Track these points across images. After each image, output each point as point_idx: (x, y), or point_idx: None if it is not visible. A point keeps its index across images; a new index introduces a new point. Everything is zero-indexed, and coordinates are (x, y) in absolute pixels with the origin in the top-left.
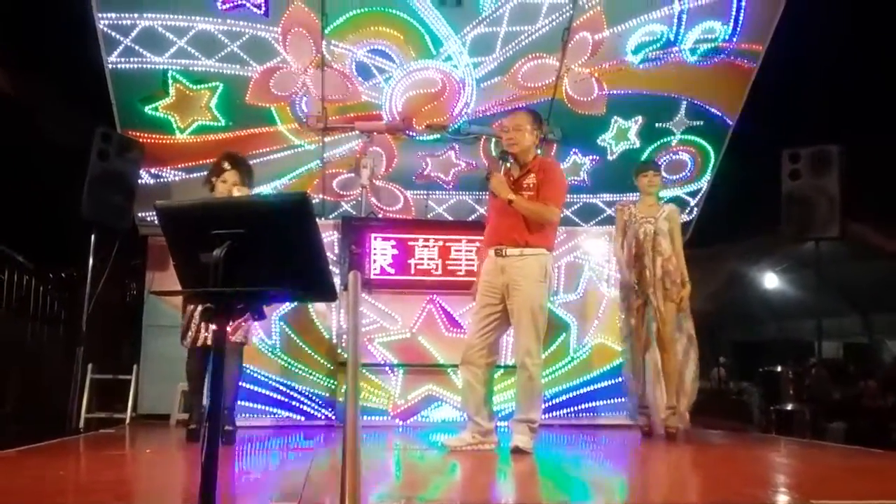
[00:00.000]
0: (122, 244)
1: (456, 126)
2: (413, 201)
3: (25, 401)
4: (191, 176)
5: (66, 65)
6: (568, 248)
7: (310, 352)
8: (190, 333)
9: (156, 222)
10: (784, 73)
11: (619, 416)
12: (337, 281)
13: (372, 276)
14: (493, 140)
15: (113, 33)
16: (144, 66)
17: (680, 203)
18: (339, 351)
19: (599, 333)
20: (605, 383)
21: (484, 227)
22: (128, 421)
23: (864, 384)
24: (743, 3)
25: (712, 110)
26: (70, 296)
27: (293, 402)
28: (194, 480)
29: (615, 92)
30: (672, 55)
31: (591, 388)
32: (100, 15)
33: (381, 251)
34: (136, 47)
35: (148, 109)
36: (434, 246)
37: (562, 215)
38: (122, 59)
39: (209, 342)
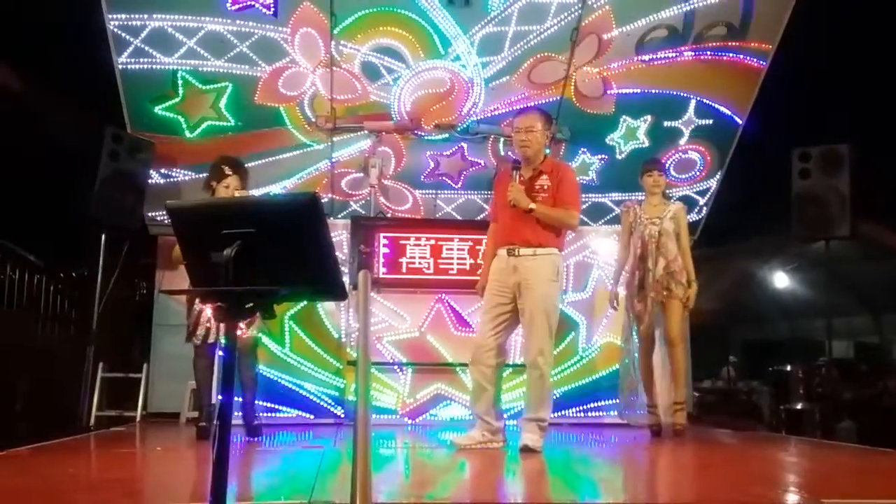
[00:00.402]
0: (132, 243)
1: (464, 125)
2: (422, 201)
3: (36, 399)
4: (200, 176)
5: (77, 66)
6: (577, 248)
7: (319, 350)
8: (199, 332)
9: (166, 222)
10: (794, 72)
11: (629, 415)
12: (346, 280)
13: (380, 276)
14: (503, 140)
15: (123, 34)
16: (154, 66)
17: (689, 202)
18: (348, 350)
19: (608, 332)
20: (615, 382)
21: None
22: (138, 419)
23: (882, 385)
24: (752, 2)
25: (721, 109)
26: (81, 295)
27: (302, 401)
28: (204, 478)
29: (624, 91)
30: (681, 54)
31: (601, 386)
32: (109, 16)
33: (389, 250)
34: (146, 48)
35: (158, 110)
36: (443, 245)
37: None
38: (132, 60)
39: (220, 339)
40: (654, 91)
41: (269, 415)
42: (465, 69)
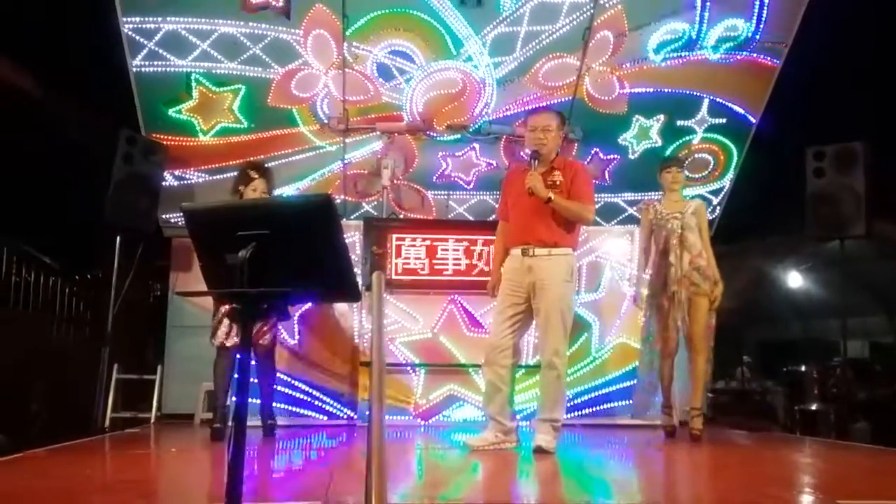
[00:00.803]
0: (146, 245)
1: (476, 126)
2: (434, 201)
3: (52, 401)
4: (214, 178)
5: (91, 69)
6: (590, 248)
7: (332, 352)
8: (219, 333)
9: (180, 224)
10: (808, 70)
11: (642, 416)
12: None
13: (393, 277)
14: (515, 139)
15: (137, 37)
16: (168, 69)
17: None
18: (362, 351)
19: (621, 333)
20: (628, 383)
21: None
22: (153, 420)
23: (892, 387)
24: (766, 1)
25: (735, 108)
26: (96, 297)
27: (316, 402)
28: (219, 479)
29: (636, 90)
30: (694, 53)
31: (614, 387)
32: (124, 19)
33: (402, 251)
34: (160, 51)
35: (172, 112)
36: (456, 246)
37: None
38: (146, 63)
39: (237, 342)
40: (666, 90)
41: (284, 416)
42: (476, 70)
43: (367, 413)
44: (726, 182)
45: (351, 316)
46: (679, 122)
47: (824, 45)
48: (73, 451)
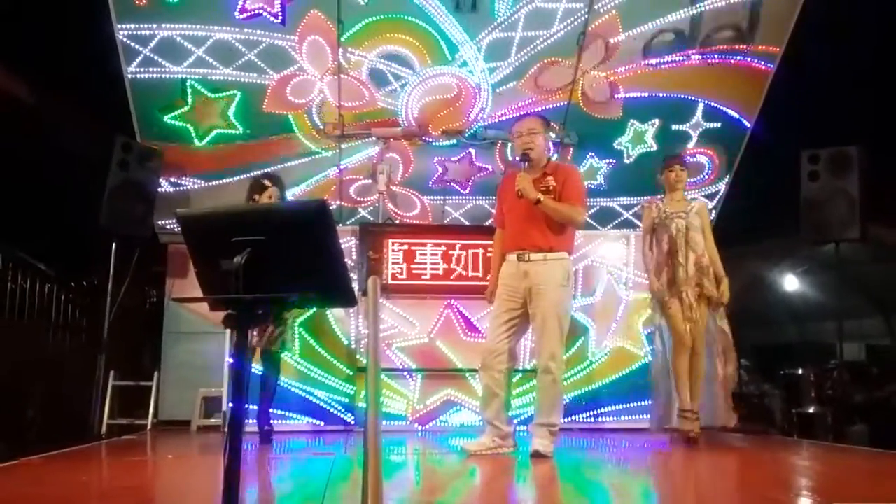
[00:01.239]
0: (142, 252)
1: (472, 131)
2: (430, 207)
3: (48, 408)
4: (210, 183)
5: (86, 75)
6: (585, 252)
7: (328, 357)
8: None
9: (176, 230)
10: (802, 74)
11: (638, 420)
12: (355, 286)
13: (390, 282)
14: (509, 145)
15: (132, 44)
16: (163, 75)
17: None
18: (358, 356)
19: (618, 337)
20: (625, 386)
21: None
22: (149, 427)
23: (888, 389)
24: (759, 5)
25: (730, 112)
26: (92, 303)
27: (312, 408)
28: (216, 486)
29: (631, 95)
30: (689, 57)
31: (611, 391)
32: (119, 26)
33: (398, 256)
34: (155, 57)
35: (167, 118)
36: (453, 251)
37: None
38: (142, 69)
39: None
40: (661, 95)
41: (280, 422)
42: (472, 75)
43: (364, 418)
44: (722, 186)
45: (348, 321)
46: (674, 127)
47: (818, 49)
48: (70, 458)
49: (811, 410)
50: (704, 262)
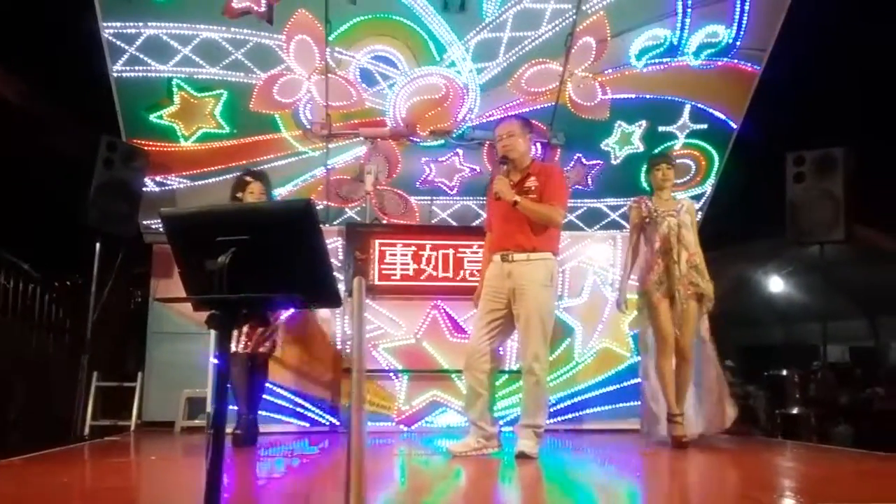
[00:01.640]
0: (127, 252)
1: (460, 131)
2: (417, 207)
3: (30, 409)
4: (196, 183)
5: (71, 74)
6: (572, 253)
7: (314, 358)
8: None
9: (161, 230)
10: (788, 76)
11: (624, 421)
12: (341, 287)
13: (376, 282)
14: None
15: (118, 42)
16: (149, 74)
17: None
18: (344, 357)
19: (604, 338)
20: (611, 388)
21: (485, 233)
22: (133, 428)
23: (871, 391)
24: (746, 7)
25: (716, 114)
26: (75, 304)
27: (297, 409)
28: (199, 487)
29: (619, 96)
30: (676, 59)
31: (596, 392)
32: (104, 24)
33: (385, 257)
34: (141, 56)
35: (153, 118)
36: (439, 252)
37: (565, 220)
38: (127, 68)
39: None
40: (648, 96)
41: (265, 423)
42: (460, 75)
43: (349, 419)
44: (708, 187)
45: (333, 322)
46: (661, 128)
47: (804, 51)
48: (52, 459)
49: (795, 411)
50: (696, 259)
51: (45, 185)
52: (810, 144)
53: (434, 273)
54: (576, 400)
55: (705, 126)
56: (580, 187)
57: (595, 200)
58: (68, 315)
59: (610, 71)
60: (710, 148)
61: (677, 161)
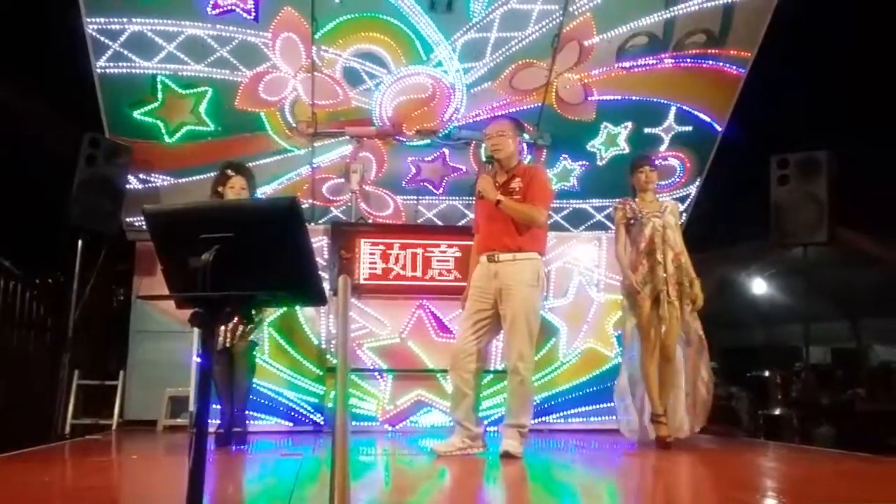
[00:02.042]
0: (109, 249)
1: (446, 131)
2: (403, 206)
3: (11, 407)
4: (179, 181)
5: (55, 69)
6: (558, 254)
7: (298, 357)
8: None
9: (144, 227)
10: (773, 79)
11: (608, 422)
12: (326, 286)
13: (361, 281)
14: (483, 146)
15: (101, 38)
16: (133, 70)
17: None
18: (328, 356)
19: (589, 338)
20: (595, 388)
21: (472, 233)
22: (114, 427)
23: (853, 392)
24: (732, 10)
25: (701, 116)
26: (57, 301)
27: (281, 408)
28: (181, 487)
29: (605, 97)
30: (661, 61)
31: (581, 392)
32: (88, 20)
33: (370, 256)
34: (125, 52)
35: (136, 114)
36: (425, 251)
37: (551, 221)
38: (111, 64)
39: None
40: (634, 98)
41: (248, 422)
42: (446, 75)
43: (333, 419)
44: (692, 189)
45: (318, 321)
46: (646, 130)
47: (789, 54)
48: (32, 458)
49: (777, 412)
50: (683, 259)
51: (27, 181)
52: (794, 147)
53: (419, 273)
54: (560, 400)
55: (690, 128)
56: (565, 187)
57: (581, 201)
58: (50, 313)
59: (596, 72)
60: (695, 150)
61: (661, 163)
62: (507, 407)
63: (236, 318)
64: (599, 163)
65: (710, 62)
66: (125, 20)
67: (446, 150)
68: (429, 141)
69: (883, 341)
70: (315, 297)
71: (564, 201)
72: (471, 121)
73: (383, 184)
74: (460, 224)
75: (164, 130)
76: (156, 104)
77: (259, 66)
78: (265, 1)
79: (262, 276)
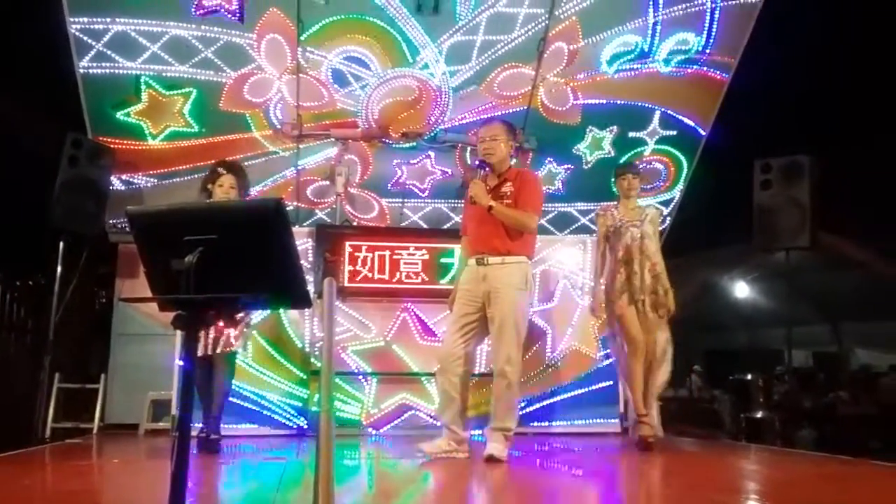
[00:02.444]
0: (91, 251)
1: (432, 134)
2: (388, 209)
3: None
4: (163, 182)
5: (37, 69)
6: (543, 257)
7: (282, 360)
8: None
9: (127, 229)
10: (756, 85)
11: (592, 424)
12: (310, 288)
13: (346, 284)
14: (469, 149)
15: (85, 38)
16: (117, 71)
17: None
18: (312, 359)
19: (574, 341)
20: (580, 391)
21: (458, 236)
22: (95, 431)
23: (834, 395)
24: (716, 16)
25: (685, 120)
26: (38, 303)
27: (265, 412)
28: (163, 491)
29: (590, 102)
30: (646, 66)
31: (566, 395)
32: (71, 19)
33: (355, 259)
34: (109, 52)
35: (120, 115)
36: (410, 254)
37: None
38: (94, 65)
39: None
40: (619, 102)
41: (231, 426)
42: (432, 78)
43: (317, 422)
44: (676, 193)
45: (302, 323)
46: (631, 134)
47: (772, 59)
48: (12, 461)
49: (759, 415)
50: (659, 269)
51: (8, 182)
52: (777, 152)
53: (404, 276)
54: (545, 402)
55: (675, 132)
56: (550, 190)
57: (566, 205)
58: (30, 315)
59: (582, 76)
60: (679, 154)
61: (646, 167)
62: (493, 410)
63: (222, 331)
64: (585, 166)
65: (695, 67)
66: (109, 20)
67: (432, 153)
68: (414, 144)
69: (864, 345)
70: (300, 299)
71: (550, 205)
72: (457, 124)
73: (368, 186)
74: (445, 227)
75: (147, 131)
76: (139, 105)
77: (244, 68)
78: (250, 2)
79: (247, 279)
